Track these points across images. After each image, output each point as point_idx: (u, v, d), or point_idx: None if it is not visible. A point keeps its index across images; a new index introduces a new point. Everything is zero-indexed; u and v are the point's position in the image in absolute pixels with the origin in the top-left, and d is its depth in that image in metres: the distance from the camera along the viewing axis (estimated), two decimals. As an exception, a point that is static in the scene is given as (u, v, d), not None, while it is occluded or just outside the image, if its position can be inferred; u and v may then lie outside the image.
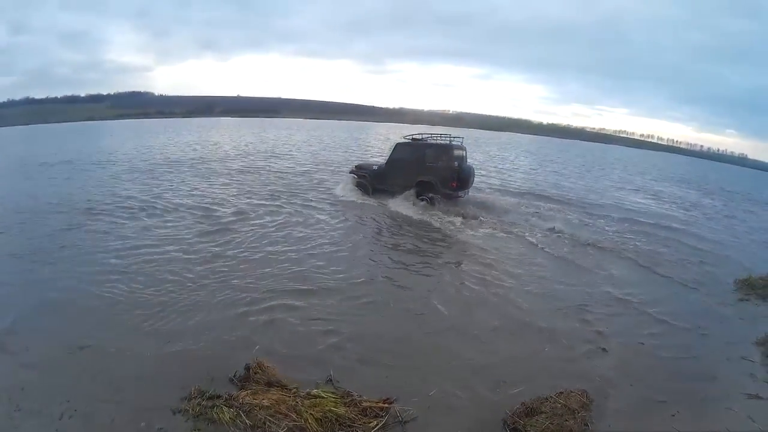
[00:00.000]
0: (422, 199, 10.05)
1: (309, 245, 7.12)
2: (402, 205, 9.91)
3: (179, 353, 3.84)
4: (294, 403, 3.13)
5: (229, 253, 6.55)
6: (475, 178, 11.30)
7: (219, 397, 3.13)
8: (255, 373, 3.34)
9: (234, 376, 3.42)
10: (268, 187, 11.99)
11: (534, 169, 21.87)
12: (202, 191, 11.13)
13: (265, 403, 3.06)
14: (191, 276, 5.57)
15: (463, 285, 5.83)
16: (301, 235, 7.70)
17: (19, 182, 12.55)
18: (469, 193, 11.04)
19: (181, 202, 9.75)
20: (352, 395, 3.34)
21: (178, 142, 27.22)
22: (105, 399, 3.23)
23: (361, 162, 13.11)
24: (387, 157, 10.99)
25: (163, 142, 27.23)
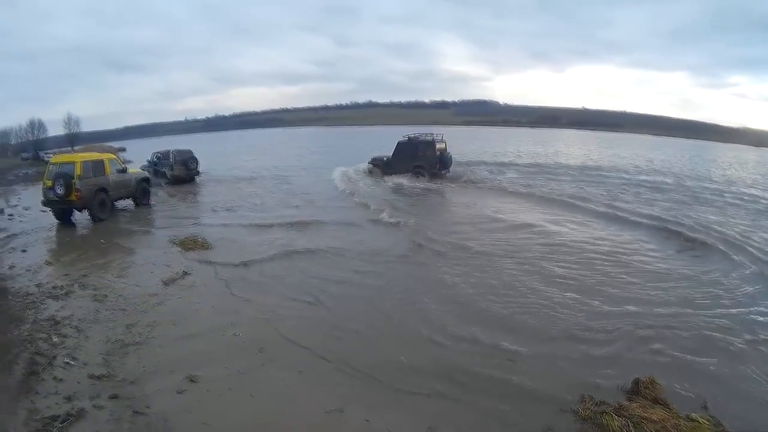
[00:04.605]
0: (416, 174, 15.90)
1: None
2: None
3: (570, 356, 4.32)
4: (677, 422, 3.39)
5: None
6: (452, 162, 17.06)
7: (607, 404, 3.56)
8: (645, 388, 3.63)
9: (621, 387, 3.81)
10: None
11: None
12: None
13: (654, 417, 3.40)
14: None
15: None
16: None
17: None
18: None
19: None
20: (723, 426, 3.42)
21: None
22: (497, 393, 3.78)
23: (375, 155, 18.19)
24: (393, 151, 16.70)
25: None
